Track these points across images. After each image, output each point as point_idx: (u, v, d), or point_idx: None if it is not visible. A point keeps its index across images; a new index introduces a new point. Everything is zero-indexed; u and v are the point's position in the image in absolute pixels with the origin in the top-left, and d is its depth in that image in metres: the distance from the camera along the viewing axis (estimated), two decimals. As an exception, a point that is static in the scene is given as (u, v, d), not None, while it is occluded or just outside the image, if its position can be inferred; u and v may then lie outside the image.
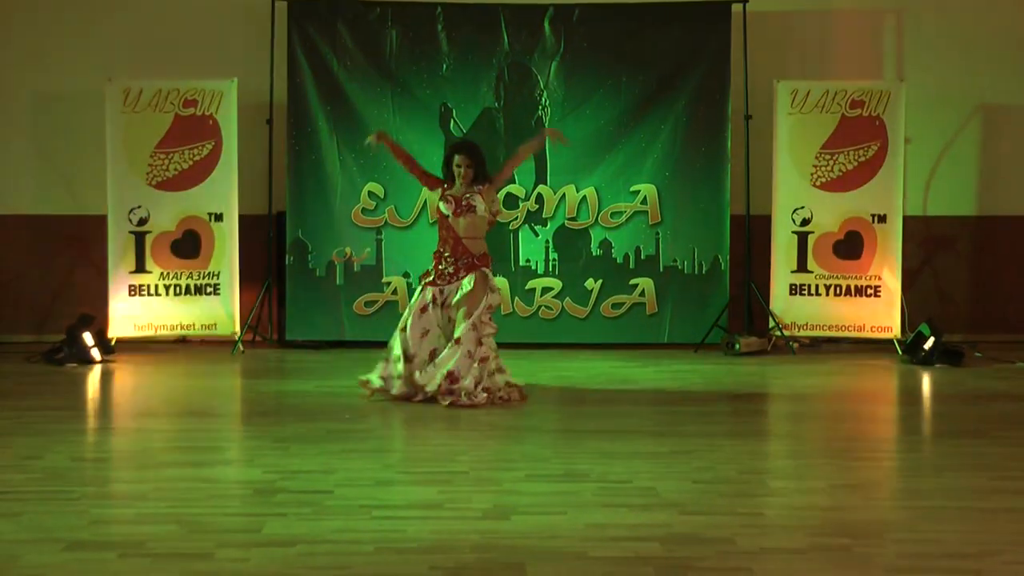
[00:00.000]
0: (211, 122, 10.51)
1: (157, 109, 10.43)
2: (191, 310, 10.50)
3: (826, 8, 11.14)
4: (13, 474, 6.02)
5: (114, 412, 8.35)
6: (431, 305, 8.04)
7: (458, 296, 7.97)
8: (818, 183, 10.60)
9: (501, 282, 10.59)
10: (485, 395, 7.85)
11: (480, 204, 8.05)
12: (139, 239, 10.44)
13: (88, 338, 9.72)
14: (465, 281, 7.98)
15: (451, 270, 8.05)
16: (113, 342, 10.17)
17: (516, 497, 5.62)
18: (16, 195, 11.04)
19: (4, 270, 10.97)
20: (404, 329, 8.06)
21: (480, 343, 7.87)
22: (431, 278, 8.10)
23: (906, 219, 10.63)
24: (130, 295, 10.41)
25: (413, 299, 8.22)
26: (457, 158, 8.16)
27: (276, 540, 4.91)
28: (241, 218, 10.57)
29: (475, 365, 7.84)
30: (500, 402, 7.92)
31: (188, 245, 10.50)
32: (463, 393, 7.80)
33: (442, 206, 8.14)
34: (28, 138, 11.05)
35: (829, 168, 10.59)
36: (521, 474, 6.07)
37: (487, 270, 8.05)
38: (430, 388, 7.86)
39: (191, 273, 10.50)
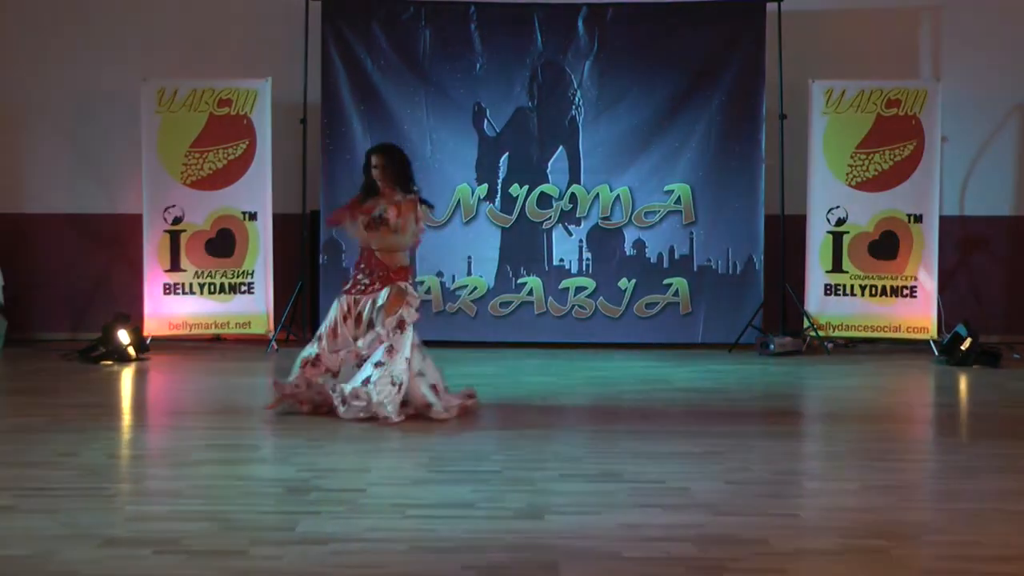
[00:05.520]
0: (245, 122, 10.56)
1: (192, 109, 10.49)
2: (225, 308, 10.56)
3: (862, 7, 11.07)
4: (50, 471, 6.06)
5: (149, 410, 8.39)
6: (340, 324, 7.57)
7: (372, 311, 7.58)
8: (853, 183, 10.54)
9: (534, 282, 10.61)
10: (394, 411, 7.33)
11: (393, 220, 7.55)
12: (174, 238, 10.51)
13: (123, 336, 9.79)
14: (381, 295, 7.56)
15: (367, 281, 7.60)
16: (148, 340, 10.23)
17: (549, 497, 5.61)
18: (53, 194, 11.13)
19: (41, 269, 11.06)
20: (321, 338, 7.61)
21: (391, 355, 7.42)
22: (347, 286, 7.69)
23: (942, 219, 10.56)
24: (165, 293, 10.48)
25: (332, 310, 7.69)
26: (373, 158, 7.67)
27: (309, 538, 4.92)
28: (275, 217, 10.62)
29: (385, 380, 7.37)
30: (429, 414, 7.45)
31: (222, 244, 10.55)
32: (366, 406, 7.35)
33: (360, 219, 7.65)
34: (65, 138, 11.13)
35: (864, 168, 10.53)
36: (554, 473, 6.06)
37: (404, 284, 7.60)
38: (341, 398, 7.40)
39: (225, 272, 10.55)
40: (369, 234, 7.64)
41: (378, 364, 7.39)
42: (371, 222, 7.62)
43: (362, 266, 7.70)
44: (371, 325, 7.58)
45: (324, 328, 7.67)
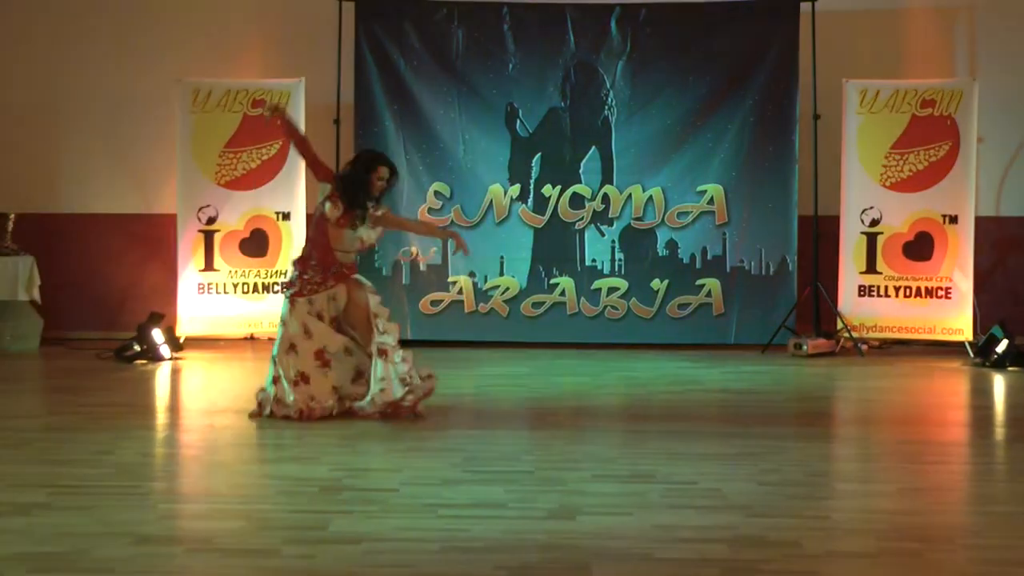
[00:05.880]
0: (279, 122, 10.55)
1: (226, 109, 10.54)
2: (259, 308, 10.59)
3: (896, 6, 11.00)
4: (84, 468, 6.11)
5: (183, 409, 8.43)
6: (309, 325, 7.35)
7: (334, 309, 7.42)
8: (888, 183, 10.48)
9: (567, 282, 10.60)
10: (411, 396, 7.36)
11: (365, 227, 7.43)
12: (208, 238, 10.56)
13: (158, 335, 9.84)
14: (338, 291, 7.39)
15: (318, 279, 7.38)
16: (182, 339, 10.28)
17: (582, 497, 5.60)
18: (88, 194, 11.20)
19: (77, 268, 11.13)
20: (294, 350, 7.36)
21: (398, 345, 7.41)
22: (296, 288, 7.38)
23: (978, 219, 10.47)
24: (199, 293, 10.53)
25: (285, 316, 7.41)
26: (384, 171, 7.43)
27: (342, 538, 4.93)
28: (308, 217, 10.63)
29: (406, 367, 7.37)
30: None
31: (256, 244, 10.60)
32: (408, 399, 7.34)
33: (328, 207, 7.38)
34: (100, 138, 11.20)
35: (899, 168, 10.47)
36: (587, 474, 6.05)
37: (358, 276, 7.53)
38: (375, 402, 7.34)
39: (259, 271, 10.60)
40: (341, 231, 7.40)
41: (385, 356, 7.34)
42: (346, 220, 7.38)
43: (313, 263, 7.41)
44: (333, 322, 7.42)
45: (293, 339, 7.35)
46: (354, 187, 7.39)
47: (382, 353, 7.32)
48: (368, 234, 7.50)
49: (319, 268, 7.40)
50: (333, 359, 7.39)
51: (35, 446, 6.70)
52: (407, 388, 7.32)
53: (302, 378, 7.33)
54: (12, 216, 10.56)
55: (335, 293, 7.44)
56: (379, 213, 7.56)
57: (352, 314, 7.47)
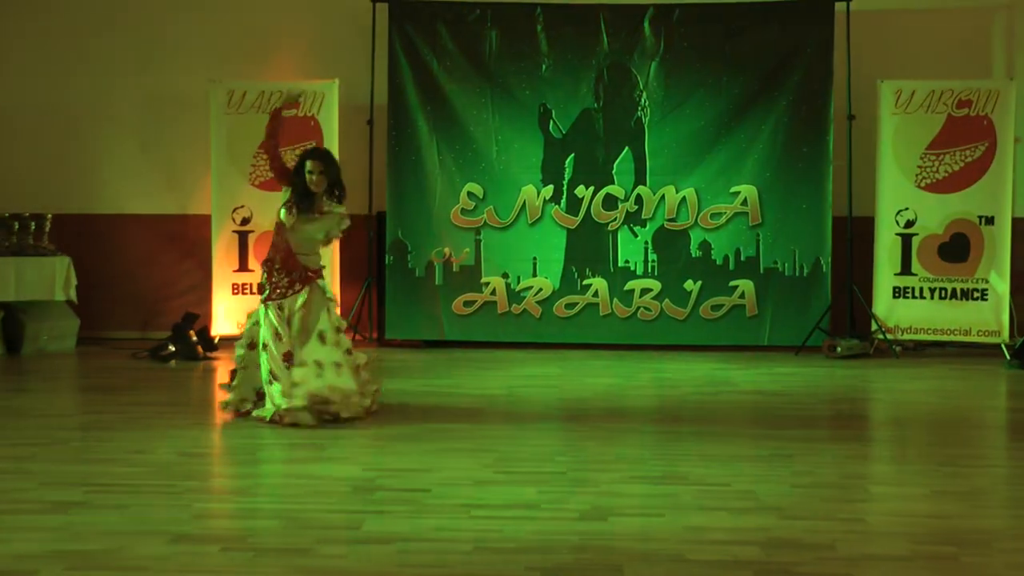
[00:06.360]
0: (312, 123, 10.64)
1: (260, 110, 10.58)
2: (292, 309, 10.61)
3: (932, 6, 10.94)
4: (120, 467, 6.15)
5: (217, 408, 8.47)
6: (282, 328, 7.38)
7: (294, 311, 7.42)
8: (923, 184, 10.42)
9: (600, 283, 10.59)
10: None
11: (316, 224, 7.44)
12: (242, 238, 10.61)
13: (192, 335, 9.90)
14: (300, 295, 7.42)
15: (285, 282, 7.42)
16: (216, 340, 10.33)
17: (614, 498, 5.60)
18: (124, 195, 11.29)
19: (112, 268, 11.21)
20: (266, 347, 7.39)
21: (349, 352, 7.44)
22: (266, 293, 7.45)
23: (1015, 220, 10.39)
24: (233, 293, 10.59)
25: (259, 319, 7.49)
26: (309, 163, 7.43)
27: (375, 537, 4.95)
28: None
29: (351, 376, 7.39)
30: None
31: (290, 244, 10.63)
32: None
33: (283, 213, 7.44)
34: (136, 140, 11.29)
35: (934, 169, 10.40)
36: (619, 475, 6.05)
37: (321, 281, 7.53)
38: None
39: (292, 272, 10.62)
40: (295, 233, 7.44)
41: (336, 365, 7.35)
42: (299, 222, 7.43)
43: (277, 267, 7.46)
44: (301, 326, 7.41)
45: (263, 341, 7.38)
46: (296, 190, 7.47)
47: (317, 364, 7.31)
48: (314, 229, 7.45)
49: (283, 271, 7.46)
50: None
51: (71, 445, 6.77)
52: (306, 403, 7.23)
53: (273, 377, 7.35)
54: (49, 217, 10.66)
55: (301, 297, 7.43)
56: (327, 210, 7.48)
57: (299, 317, 7.45)
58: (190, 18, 11.20)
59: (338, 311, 7.65)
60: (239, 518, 5.24)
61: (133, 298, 11.24)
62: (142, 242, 11.24)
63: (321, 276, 7.58)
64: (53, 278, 10.42)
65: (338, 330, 7.47)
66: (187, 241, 11.12)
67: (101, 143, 11.28)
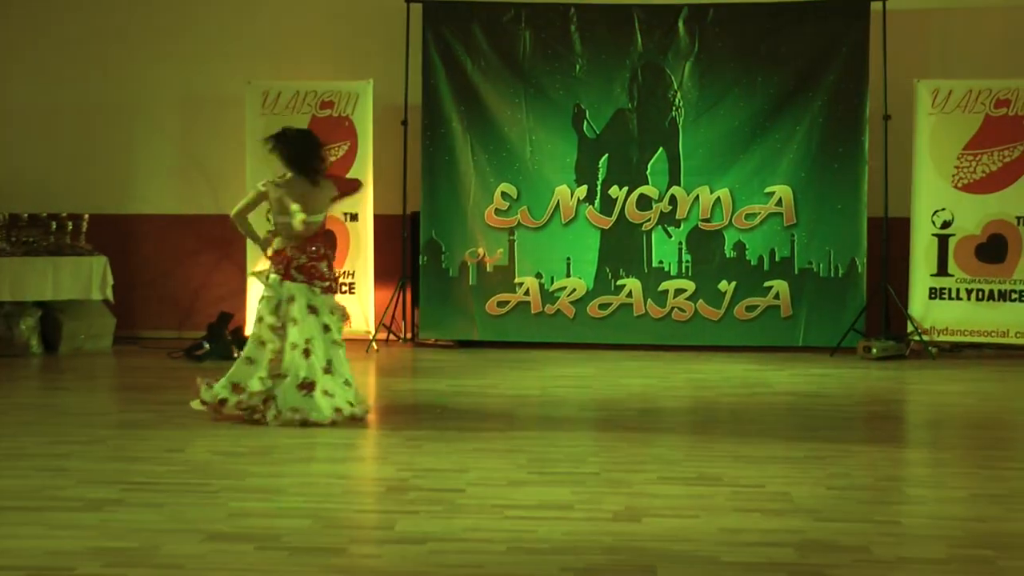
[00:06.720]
0: (347, 123, 10.67)
1: (294, 110, 10.63)
2: (327, 308, 10.65)
3: (968, 5, 10.85)
4: (156, 466, 6.19)
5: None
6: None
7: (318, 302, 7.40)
8: (960, 184, 10.34)
9: (634, 284, 10.58)
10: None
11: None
12: (277, 238, 10.63)
13: (227, 335, 9.95)
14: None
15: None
16: (251, 339, 10.37)
17: (648, 500, 5.59)
18: (161, 195, 11.36)
19: (149, 268, 11.29)
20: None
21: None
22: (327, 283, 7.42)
23: (1053, 221, 10.31)
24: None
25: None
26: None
27: (408, 537, 4.95)
28: (376, 218, 10.72)
29: None
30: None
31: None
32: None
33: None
34: (172, 140, 11.36)
35: (971, 169, 10.32)
36: (653, 476, 6.03)
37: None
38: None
39: (327, 272, 10.66)
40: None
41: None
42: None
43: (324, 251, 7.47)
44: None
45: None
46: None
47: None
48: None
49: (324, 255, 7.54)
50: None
51: (108, 443, 6.81)
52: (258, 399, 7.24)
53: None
54: (86, 217, 10.74)
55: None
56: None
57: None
58: (227, 20, 11.26)
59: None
60: (273, 517, 5.26)
61: (169, 297, 11.31)
62: (178, 242, 11.31)
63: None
64: (90, 278, 10.50)
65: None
66: (223, 241, 11.16)
67: (138, 144, 11.36)
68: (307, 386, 7.17)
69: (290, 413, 7.12)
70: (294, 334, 7.21)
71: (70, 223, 10.63)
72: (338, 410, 7.18)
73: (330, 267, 7.47)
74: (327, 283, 7.40)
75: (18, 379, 9.30)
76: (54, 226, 10.57)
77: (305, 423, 7.08)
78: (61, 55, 11.33)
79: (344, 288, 10.64)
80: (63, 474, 5.99)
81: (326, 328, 7.32)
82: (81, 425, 7.26)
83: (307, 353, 7.21)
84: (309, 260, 7.36)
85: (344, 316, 7.51)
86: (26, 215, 10.61)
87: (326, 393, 7.19)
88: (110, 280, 10.60)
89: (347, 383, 7.35)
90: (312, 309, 7.31)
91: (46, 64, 11.35)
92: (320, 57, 11.17)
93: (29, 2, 11.38)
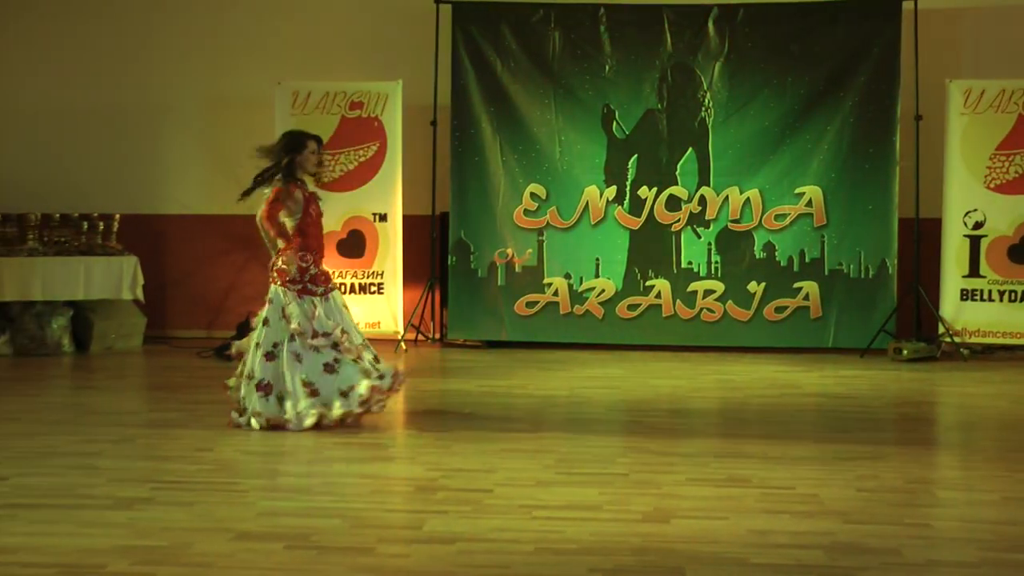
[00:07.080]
0: (376, 123, 10.70)
1: (324, 111, 10.66)
2: (355, 308, 10.65)
3: (1000, 4, 10.78)
4: (186, 465, 6.22)
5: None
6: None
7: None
8: (992, 185, 10.27)
9: (663, 284, 10.56)
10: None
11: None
12: (306, 238, 10.66)
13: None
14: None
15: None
16: (280, 339, 10.40)
17: (676, 501, 5.57)
18: (190, 195, 11.42)
19: (178, 268, 11.35)
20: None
21: None
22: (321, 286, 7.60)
23: (1086, 222, 10.23)
24: (297, 293, 10.64)
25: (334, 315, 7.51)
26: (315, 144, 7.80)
27: (436, 537, 4.96)
28: (405, 219, 10.73)
29: None
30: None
31: (353, 245, 10.71)
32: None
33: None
34: (202, 140, 11.41)
35: (1004, 170, 10.25)
36: (681, 477, 6.02)
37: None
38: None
39: (356, 272, 10.70)
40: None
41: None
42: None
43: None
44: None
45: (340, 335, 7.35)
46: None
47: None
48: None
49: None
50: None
51: (138, 442, 6.85)
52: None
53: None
54: (117, 217, 10.80)
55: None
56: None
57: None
58: (256, 21, 11.31)
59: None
60: (302, 516, 5.27)
61: (199, 297, 11.37)
62: (208, 242, 11.35)
63: (274, 268, 7.72)
64: (121, 277, 10.56)
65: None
66: (252, 241, 11.17)
67: (169, 144, 11.42)
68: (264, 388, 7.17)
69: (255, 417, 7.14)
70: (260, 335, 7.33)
71: (101, 223, 10.70)
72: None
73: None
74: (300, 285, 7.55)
75: (49, 378, 9.37)
76: (85, 226, 10.64)
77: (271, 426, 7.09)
78: (91, 56, 11.41)
79: (373, 288, 10.68)
80: (94, 472, 6.02)
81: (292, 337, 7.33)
82: (111, 424, 7.30)
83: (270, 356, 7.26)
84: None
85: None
86: (58, 215, 10.69)
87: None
88: (140, 280, 10.66)
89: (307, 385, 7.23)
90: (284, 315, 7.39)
91: (76, 65, 11.43)
92: (349, 58, 11.20)
93: (60, 3, 11.45)
